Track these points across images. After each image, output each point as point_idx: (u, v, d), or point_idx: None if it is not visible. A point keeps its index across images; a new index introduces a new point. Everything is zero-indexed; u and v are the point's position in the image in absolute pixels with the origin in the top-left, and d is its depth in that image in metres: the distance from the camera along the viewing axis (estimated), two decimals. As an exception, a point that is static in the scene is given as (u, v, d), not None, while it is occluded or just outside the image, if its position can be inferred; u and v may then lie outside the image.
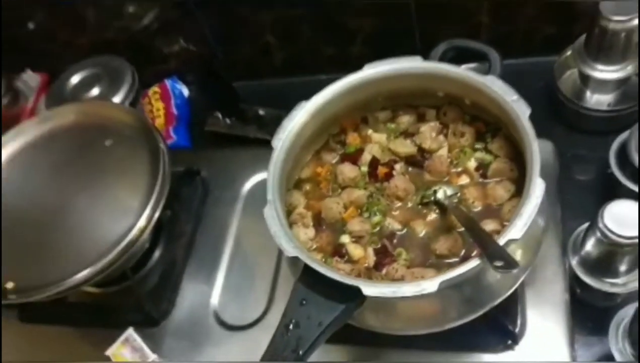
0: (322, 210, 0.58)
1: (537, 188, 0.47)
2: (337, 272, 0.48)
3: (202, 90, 0.90)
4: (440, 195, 0.55)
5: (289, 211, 0.58)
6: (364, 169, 0.60)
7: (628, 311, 0.55)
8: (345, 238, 0.56)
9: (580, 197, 0.70)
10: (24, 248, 0.62)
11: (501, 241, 0.45)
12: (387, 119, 0.63)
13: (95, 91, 0.86)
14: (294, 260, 0.49)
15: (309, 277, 0.48)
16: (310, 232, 0.57)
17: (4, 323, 0.69)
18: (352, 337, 0.57)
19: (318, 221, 0.58)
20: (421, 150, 0.60)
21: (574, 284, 0.62)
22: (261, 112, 0.88)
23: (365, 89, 0.59)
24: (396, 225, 0.55)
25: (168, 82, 0.95)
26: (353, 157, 0.61)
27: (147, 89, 0.94)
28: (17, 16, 0.92)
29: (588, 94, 0.76)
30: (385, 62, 0.59)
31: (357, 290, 0.46)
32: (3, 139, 0.68)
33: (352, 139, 0.63)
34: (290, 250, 0.49)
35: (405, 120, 0.62)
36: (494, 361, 0.58)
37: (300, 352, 0.46)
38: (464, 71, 0.56)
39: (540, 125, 0.75)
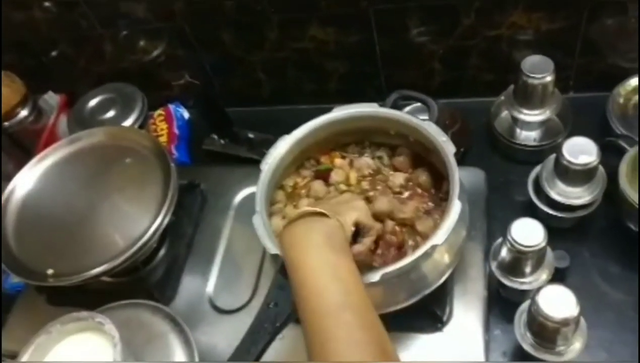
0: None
1: (455, 207, 0.63)
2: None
3: (201, 114, 1.03)
4: None
5: (271, 204, 0.73)
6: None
7: (527, 305, 0.69)
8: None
9: (507, 214, 0.82)
10: (59, 243, 0.76)
11: (426, 246, 0.61)
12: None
13: (110, 113, 1.00)
14: (275, 256, 0.65)
15: (285, 269, 0.64)
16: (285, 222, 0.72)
17: (35, 304, 0.83)
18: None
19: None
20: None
21: (495, 284, 0.75)
22: (251, 135, 1.01)
23: (334, 126, 0.75)
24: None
25: (171, 106, 1.08)
26: (324, 176, 0.76)
27: (152, 112, 1.07)
28: (44, 44, 1.05)
29: (518, 131, 0.91)
30: (350, 107, 0.74)
31: (321, 279, 0.61)
32: (41, 154, 0.83)
33: (324, 159, 0.79)
34: (272, 249, 0.64)
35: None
36: (425, 342, 0.72)
37: (278, 324, 0.60)
38: (409, 116, 0.72)
39: (479, 155, 0.94)
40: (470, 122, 0.96)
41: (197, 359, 0.69)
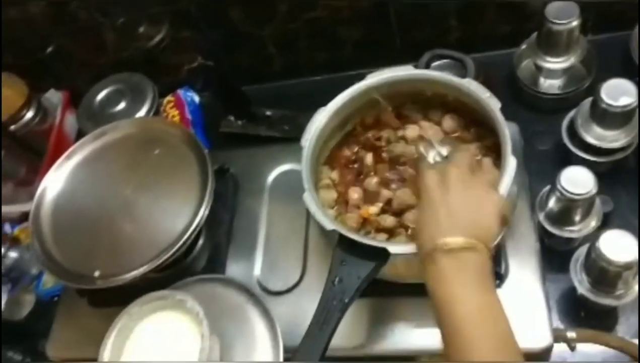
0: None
1: (511, 164, 0.62)
2: (367, 238, 0.63)
3: (215, 96, 1.01)
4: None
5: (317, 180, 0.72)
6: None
7: (582, 250, 0.70)
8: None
9: (541, 164, 0.83)
10: (100, 244, 0.73)
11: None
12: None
13: (121, 105, 0.96)
14: (332, 232, 0.63)
15: (344, 244, 0.62)
16: (333, 193, 0.72)
17: (77, 308, 0.81)
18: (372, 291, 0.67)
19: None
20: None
21: (543, 234, 0.76)
22: (268, 113, 0.98)
23: (369, 93, 0.73)
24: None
25: (180, 91, 1.03)
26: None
27: (161, 99, 1.02)
28: (40, 40, 1.01)
29: (542, 80, 0.90)
30: (384, 72, 0.72)
31: (384, 250, 0.61)
32: (67, 153, 0.79)
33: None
34: (329, 225, 0.63)
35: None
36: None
37: (346, 300, 0.59)
38: (448, 76, 0.70)
39: (504, 108, 0.92)
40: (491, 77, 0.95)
41: (279, 330, 0.68)
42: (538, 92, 0.91)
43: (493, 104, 0.66)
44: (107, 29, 0.98)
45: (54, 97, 1.06)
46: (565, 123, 0.83)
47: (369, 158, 0.74)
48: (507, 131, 0.64)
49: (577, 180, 0.69)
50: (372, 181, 0.72)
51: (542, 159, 0.86)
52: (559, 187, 0.69)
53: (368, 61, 0.99)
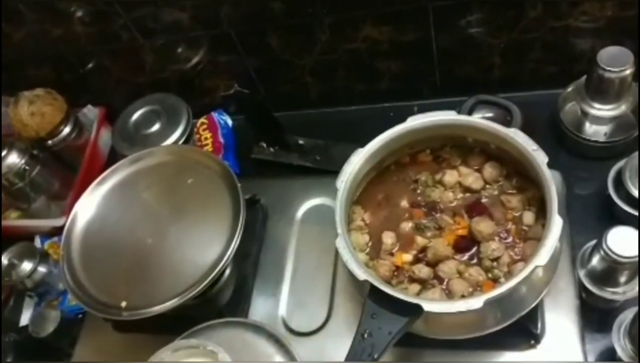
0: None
1: (556, 224, 0.59)
2: (400, 292, 0.60)
3: (249, 122, 0.99)
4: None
5: (350, 220, 0.70)
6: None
7: (628, 315, 0.65)
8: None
9: (582, 211, 0.80)
10: (128, 273, 0.72)
11: (529, 267, 0.58)
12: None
13: (156, 126, 0.96)
14: (364, 283, 0.61)
15: (376, 295, 0.60)
16: (366, 237, 0.70)
17: (102, 331, 0.80)
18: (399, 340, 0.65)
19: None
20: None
21: (582, 292, 0.72)
22: (301, 141, 0.97)
23: (408, 136, 0.71)
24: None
25: (214, 114, 1.04)
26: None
27: (194, 120, 1.02)
28: (82, 57, 1.01)
29: (587, 125, 0.85)
30: (426, 116, 0.70)
31: (418, 306, 0.58)
32: (100, 178, 0.79)
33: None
34: (361, 275, 0.61)
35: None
36: (519, 359, 0.68)
37: (375, 356, 0.57)
38: (493, 125, 0.67)
39: (545, 151, 0.89)
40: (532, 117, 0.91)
41: None
42: (582, 138, 0.86)
43: (540, 158, 0.64)
44: (147, 50, 0.98)
45: (90, 112, 1.07)
46: (612, 174, 0.78)
47: (404, 202, 0.72)
48: (554, 188, 0.61)
49: (625, 241, 0.65)
50: (407, 226, 0.70)
51: (582, 206, 0.82)
52: (604, 246, 0.65)
53: (405, 94, 0.98)
